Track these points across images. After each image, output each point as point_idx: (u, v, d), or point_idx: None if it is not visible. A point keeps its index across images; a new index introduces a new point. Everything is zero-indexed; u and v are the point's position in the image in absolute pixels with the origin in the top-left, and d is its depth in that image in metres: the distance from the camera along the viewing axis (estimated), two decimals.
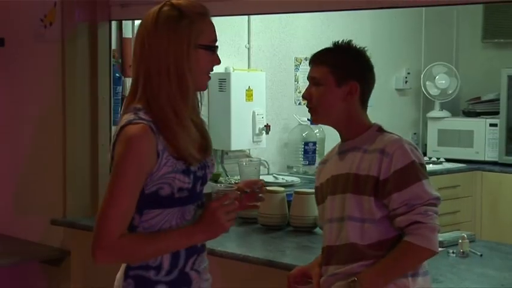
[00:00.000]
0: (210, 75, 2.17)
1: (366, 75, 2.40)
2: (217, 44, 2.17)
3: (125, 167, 2.03)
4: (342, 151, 2.40)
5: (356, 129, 2.37)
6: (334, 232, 2.35)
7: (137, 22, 4.12)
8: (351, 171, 2.32)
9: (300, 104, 5.17)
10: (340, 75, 2.35)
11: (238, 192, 2.18)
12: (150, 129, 2.03)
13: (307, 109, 2.41)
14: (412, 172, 2.25)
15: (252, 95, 4.68)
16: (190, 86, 2.08)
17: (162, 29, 2.07)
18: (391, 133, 2.38)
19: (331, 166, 2.43)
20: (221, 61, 2.19)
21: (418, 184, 2.24)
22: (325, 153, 5.01)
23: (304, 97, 2.41)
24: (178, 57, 2.06)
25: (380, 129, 2.38)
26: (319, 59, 2.40)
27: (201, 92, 2.19)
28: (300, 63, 5.14)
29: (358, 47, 2.43)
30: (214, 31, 2.17)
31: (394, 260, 2.24)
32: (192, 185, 2.11)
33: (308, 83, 2.41)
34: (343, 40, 2.45)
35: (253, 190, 2.31)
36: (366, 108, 2.42)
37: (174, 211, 2.11)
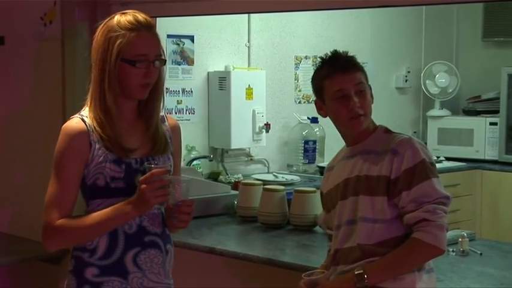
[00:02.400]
0: (146, 86, 2.26)
1: None
2: (155, 57, 2.25)
3: (56, 156, 2.26)
4: (350, 155, 2.39)
5: (366, 132, 2.38)
6: (344, 236, 2.35)
7: None
8: (361, 173, 2.32)
9: (300, 102, 5.17)
10: (367, 82, 2.39)
11: (168, 170, 2.20)
12: (82, 122, 2.25)
13: (354, 119, 2.34)
14: (422, 170, 2.26)
15: (252, 94, 4.68)
16: (107, 95, 2.23)
17: (97, 40, 2.29)
18: (398, 133, 2.38)
19: (339, 171, 2.42)
20: (155, 74, 2.26)
21: (427, 182, 2.25)
22: (325, 152, 5.09)
23: (364, 108, 2.35)
24: (101, 68, 2.25)
25: (387, 131, 2.39)
26: (355, 66, 2.39)
27: (154, 98, 2.30)
28: (300, 62, 5.14)
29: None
30: (145, 45, 2.25)
31: (400, 255, 2.25)
32: (125, 175, 2.23)
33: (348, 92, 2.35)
34: (335, 50, 2.45)
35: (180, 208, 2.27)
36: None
37: (119, 201, 2.21)
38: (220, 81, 4.61)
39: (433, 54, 5.93)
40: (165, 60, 2.31)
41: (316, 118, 5.10)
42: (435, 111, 5.81)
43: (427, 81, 5.79)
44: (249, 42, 4.87)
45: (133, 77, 2.23)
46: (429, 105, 5.90)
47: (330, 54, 2.43)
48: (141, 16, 2.28)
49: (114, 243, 2.25)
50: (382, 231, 2.28)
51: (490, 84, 5.72)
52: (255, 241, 3.40)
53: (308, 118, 5.05)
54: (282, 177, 4.67)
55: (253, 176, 4.65)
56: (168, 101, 4.41)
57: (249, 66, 4.87)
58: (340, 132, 2.45)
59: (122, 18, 2.27)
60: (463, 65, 6.06)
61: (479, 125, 5.56)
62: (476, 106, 5.75)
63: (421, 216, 2.22)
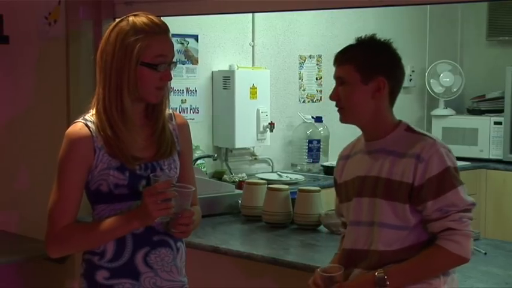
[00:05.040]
0: (161, 88, 2.25)
1: (393, 69, 2.31)
2: (172, 60, 2.25)
3: (60, 163, 2.23)
4: (369, 151, 2.32)
5: (383, 128, 2.31)
6: (362, 236, 2.29)
7: None
8: (381, 175, 2.26)
9: (304, 102, 5.17)
10: (366, 72, 2.26)
11: (172, 183, 2.17)
12: (86, 127, 2.22)
13: (339, 109, 2.32)
14: (448, 179, 2.20)
15: (256, 93, 4.68)
16: (125, 100, 2.20)
17: (111, 43, 2.22)
18: (420, 132, 2.32)
19: (356, 165, 2.35)
20: (171, 77, 2.27)
21: (454, 191, 2.20)
22: (330, 151, 5.09)
23: (331, 98, 2.33)
24: (119, 72, 2.20)
25: (408, 128, 2.32)
26: (343, 57, 2.32)
27: (162, 101, 2.30)
28: (304, 61, 5.14)
29: (382, 40, 2.33)
30: (165, 49, 2.24)
31: (423, 262, 2.21)
32: (129, 182, 2.21)
33: (334, 83, 2.33)
34: (366, 35, 2.34)
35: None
36: (393, 105, 2.35)
37: (122, 206, 2.22)
38: (225, 81, 4.62)
39: (437, 53, 5.92)
40: (176, 63, 2.31)
41: (321, 117, 5.10)
42: (439, 111, 5.80)
43: (431, 81, 5.79)
44: (253, 41, 4.87)
45: (151, 81, 2.21)
46: (433, 105, 5.89)
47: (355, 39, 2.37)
48: (156, 18, 2.25)
49: (122, 245, 2.24)
50: (403, 238, 2.23)
51: (495, 84, 5.71)
52: (259, 240, 3.40)
53: (312, 117, 5.06)
54: (286, 176, 4.67)
55: (258, 175, 4.65)
56: (173, 100, 4.40)
57: (253, 65, 4.87)
58: None
59: (138, 20, 2.22)
60: (468, 64, 6.05)
61: (483, 124, 5.56)
62: (480, 105, 5.74)
63: (447, 226, 2.19)
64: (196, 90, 4.61)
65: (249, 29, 4.85)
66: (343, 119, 2.34)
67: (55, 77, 3.96)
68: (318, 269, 2.29)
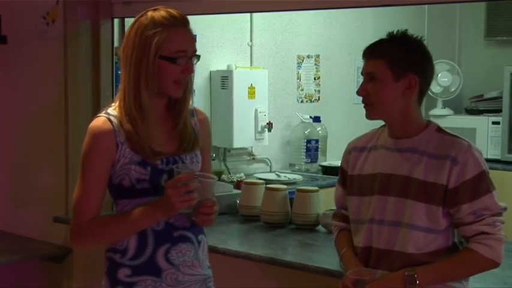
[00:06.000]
0: (181, 82, 2.25)
1: (425, 68, 2.28)
2: (192, 53, 2.25)
3: (83, 157, 2.23)
4: (396, 148, 2.28)
5: (412, 127, 2.27)
6: (385, 235, 2.26)
7: None
8: (412, 175, 2.23)
9: (302, 101, 5.17)
10: (398, 69, 2.22)
11: (195, 175, 2.17)
12: (109, 121, 2.22)
13: (363, 105, 2.28)
14: (484, 183, 2.20)
15: (254, 93, 4.68)
16: (143, 94, 2.20)
17: (131, 38, 2.22)
18: (451, 134, 2.29)
19: (379, 160, 2.30)
20: (193, 70, 2.26)
21: (489, 196, 2.20)
22: (328, 151, 5.09)
23: (359, 93, 2.27)
24: (137, 66, 2.20)
25: (439, 129, 2.29)
26: (374, 52, 2.26)
27: (184, 97, 2.30)
28: (302, 61, 5.14)
29: (415, 36, 2.30)
30: (184, 42, 2.23)
31: (455, 264, 2.21)
32: (150, 177, 2.21)
33: (362, 78, 2.29)
34: (398, 30, 2.30)
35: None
36: (421, 104, 2.32)
37: (144, 201, 2.21)
38: (223, 80, 4.61)
39: (435, 53, 5.80)
40: (200, 56, 2.28)
41: (319, 117, 5.10)
42: (438, 111, 5.80)
43: None
44: (251, 41, 4.87)
45: (170, 74, 2.20)
46: (431, 105, 5.89)
47: (387, 34, 2.32)
48: (175, 12, 2.24)
49: (143, 242, 2.24)
50: (433, 241, 2.22)
51: (493, 83, 5.72)
52: (257, 240, 3.39)
53: (310, 117, 5.05)
54: (285, 176, 4.67)
55: (256, 175, 4.64)
56: None
57: (251, 65, 4.87)
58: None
59: (156, 14, 2.21)
60: (466, 64, 6.05)
61: (481, 124, 5.56)
62: (478, 105, 5.74)
63: (480, 230, 2.18)
64: (194, 90, 4.60)
65: (247, 29, 4.85)
66: (371, 115, 2.29)
67: (53, 76, 3.96)
68: (348, 272, 2.26)
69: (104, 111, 2.26)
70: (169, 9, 2.24)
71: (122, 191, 2.24)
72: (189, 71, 2.24)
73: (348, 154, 2.43)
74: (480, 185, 2.19)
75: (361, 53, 2.35)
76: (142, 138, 2.20)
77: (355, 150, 2.40)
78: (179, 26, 2.22)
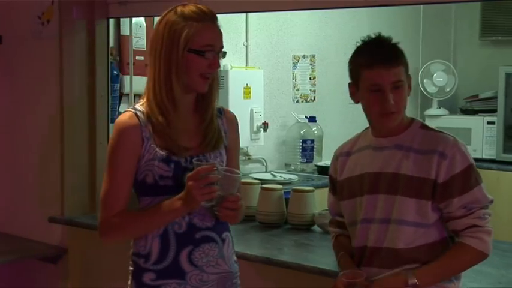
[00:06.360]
0: (207, 76, 2.24)
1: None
2: (219, 48, 2.26)
3: (110, 152, 2.26)
4: (382, 147, 2.29)
5: (399, 125, 2.28)
6: (375, 233, 2.27)
7: (135, 20, 4.13)
8: (399, 171, 2.24)
9: (297, 101, 5.17)
10: (407, 72, 2.27)
11: (215, 167, 2.17)
12: (135, 116, 2.23)
13: (386, 115, 2.23)
14: (473, 175, 2.22)
15: (249, 93, 4.68)
16: (174, 86, 2.22)
17: (160, 33, 2.23)
18: (435, 130, 2.31)
19: (364, 161, 2.32)
20: (219, 65, 2.27)
21: (478, 188, 2.23)
22: (323, 151, 5.09)
23: (391, 107, 2.21)
24: (167, 59, 2.21)
25: (423, 126, 2.31)
26: (396, 60, 2.24)
27: (212, 93, 2.30)
28: (298, 61, 5.14)
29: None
30: (213, 37, 2.24)
31: (449, 260, 2.22)
32: (173, 174, 2.22)
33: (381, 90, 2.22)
34: (379, 33, 2.31)
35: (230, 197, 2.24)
36: None
37: (167, 199, 2.21)
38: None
39: (430, 53, 5.93)
40: (226, 53, 2.30)
41: (314, 117, 5.10)
42: (433, 111, 5.81)
43: (424, 80, 5.80)
44: (246, 41, 4.86)
45: (198, 68, 2.21)
46: (427, 105, 5.90)
47: (373, 37, 2.29)
48: (204, 7, 2.26)
49: (166, 245, 2.25)
50: (422, 236, 2.23)
51: (488, 83, 5.73)
52: (253, 240, 3.39)
53: (306, 117, 5.05)
54: (280, 176, 4.67)
55: (251, 175, 4.64)
56: None
57: (246, 65, 4.87)
58: (368, 120, 2.33)
59: (186, 9, 2.24)
60: (461, 64, 6.06)
61: (477, 124, 5.57)
62: (474, 105, 5.75)
63: (471, 223, 2.20)
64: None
65: (242, 29, 4.85)
66: (395, 123, 2.26)
67: (49, 76, 3.95)
68: (340, 274, 2.27)
69: (132, 107, 2.28)
70: (198, 5, 2.26)
71: (146, 188, 2.25)
72: (216, 65, 2.25)
73: (335, 161, 2.44)
74: (469, 178, 2.22)
75: None
76: (173, 131, 2.22)
77: (341, 155, 2.42)
78: (208, 20, 2.24)
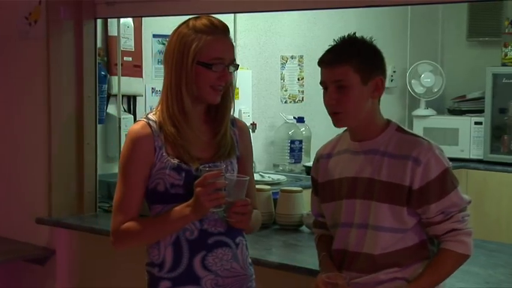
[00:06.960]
0: (217, 88, 2.26)
1: (385, 67, 2.28)
2: (230, 61, 2.27)
3: (122, 161, 2.29)
4: (359, 151, 2.27)
5: (374, 128, 2.26)
6: (354, 238, 2.26)
7: (122, 20, 4.12)
8: (375, 176, 2.22)
9: (286, 102, 5.17)
10: (365, 72, 2.19)
11: (221, 173, 2.17)
12: (148, 126, 2.26)
13: (332, 115, 2.23)
14: (448, 180, 2.20)
15: (238, 93, 4.67)
16: (185, 97, 2.24)
17: (172, 45, 2.27)
18: (411, 133, 2.28)
19: (344, 165, 2.30)
20: (229, 77, 2.27)
21: (454, 192, 2.21)
22: (311, 151, 5.09)
23: (329, 103, 2.22)
24: (178, 71, 2.24)
25: (399, 129, 2.28)
26: (338, 59, 2.20)
27: (225, 103, 2.31)
28: (286, 62, 5.14)
29: (367, 38, 2.28)
30: (223, 50, 2.26)
31: (436, 267, 2.22)
32: (184, 182, 2.23)
33: (324, 87, 2.23)
34: (348, 34, 2.29)
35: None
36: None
37: (177, 206, 2.22)
38: None
39: (418, 54, 5.95)
40: (238, 66, 2.31)
41: (302, 118, 5.11)
42: (420, 111, 5.83)
43: (412, 81, 5.82)
44: (235, 41, 4.78)
45: (207, 79, 2.23)
46: (415, 105, 5.92)
47: (339, 39, 2.29)
48: (216, 20, 2.29)
49: (179, 253, 2.26)
50: (401, 240, 2.22)
51: (475, 84, 5.75)
52: None
53: (294, 118, 5.06)
54: (268, 176, 4.67)
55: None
56: (154, 101, 4.40)
57: None
58: None
59: (197, 22, 2.27)
60: (448, 64, 6.09)
61: (464, 124, 5.59)
62: (461, 106, 5.78)
63: (451, 227, 2.19)
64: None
65: (230, 29, 4.82)
66: (341, 124, 2.26)
67: (36, 77, 3.93)
68: (323, 275, 2.25)
69: (145, 116, 2.31)
70: (211, 18, 2.29)
71: (157, 196, 2.27)
72: (225, 77, 2.26)
73: (316, 163, 2.43)
74: (445, 183, 2.20)
75: None
76: (185, 142, 2.24)
77: (322, 158, 2.40)
78: (219, 34, 2.27)
